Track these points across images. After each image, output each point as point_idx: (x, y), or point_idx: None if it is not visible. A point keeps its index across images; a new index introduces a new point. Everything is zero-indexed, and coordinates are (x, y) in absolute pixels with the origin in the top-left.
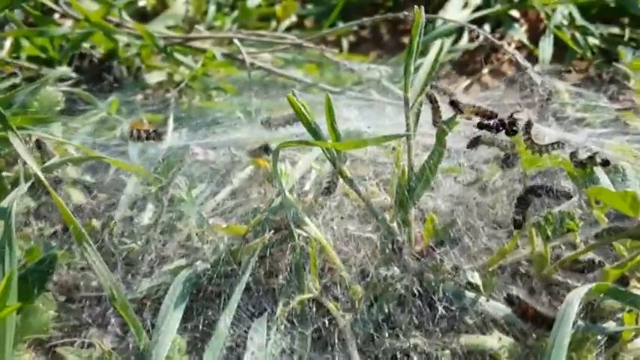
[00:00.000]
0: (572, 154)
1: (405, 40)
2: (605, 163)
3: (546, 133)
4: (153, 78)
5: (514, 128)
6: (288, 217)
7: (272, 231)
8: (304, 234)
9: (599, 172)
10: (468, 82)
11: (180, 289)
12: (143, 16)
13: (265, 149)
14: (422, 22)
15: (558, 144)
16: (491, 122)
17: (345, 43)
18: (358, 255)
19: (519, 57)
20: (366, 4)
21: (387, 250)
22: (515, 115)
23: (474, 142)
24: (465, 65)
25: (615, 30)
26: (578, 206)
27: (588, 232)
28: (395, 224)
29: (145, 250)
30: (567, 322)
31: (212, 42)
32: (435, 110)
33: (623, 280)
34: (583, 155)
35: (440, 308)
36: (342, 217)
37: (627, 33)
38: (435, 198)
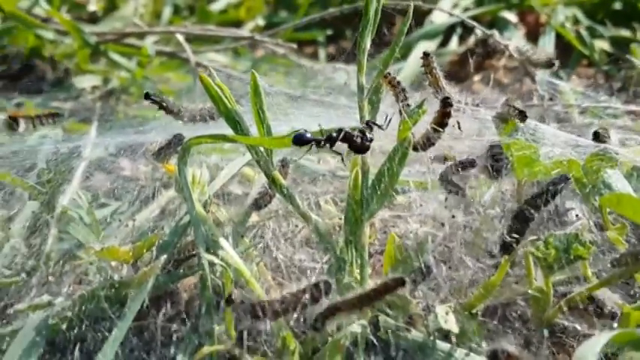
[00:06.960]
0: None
1: None
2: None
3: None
4: (83, 82)
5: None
6: (197, 239)
7: (173, 258)
8: (218, 262)
9: (613, 175)
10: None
11: (30, 338)
12: (94, 22)
13: (169, 146)
14: None
15: None
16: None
17: (322, 54)
18: None
19: (512, 48)
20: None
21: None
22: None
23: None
24: (454, 73)
25: (626, 33)
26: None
27: (602, 261)
28: (345, 249)
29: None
30: None
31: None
32: (398, 96)
33: None
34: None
35: None
36: (286, 240)
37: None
38: (407, 218)
